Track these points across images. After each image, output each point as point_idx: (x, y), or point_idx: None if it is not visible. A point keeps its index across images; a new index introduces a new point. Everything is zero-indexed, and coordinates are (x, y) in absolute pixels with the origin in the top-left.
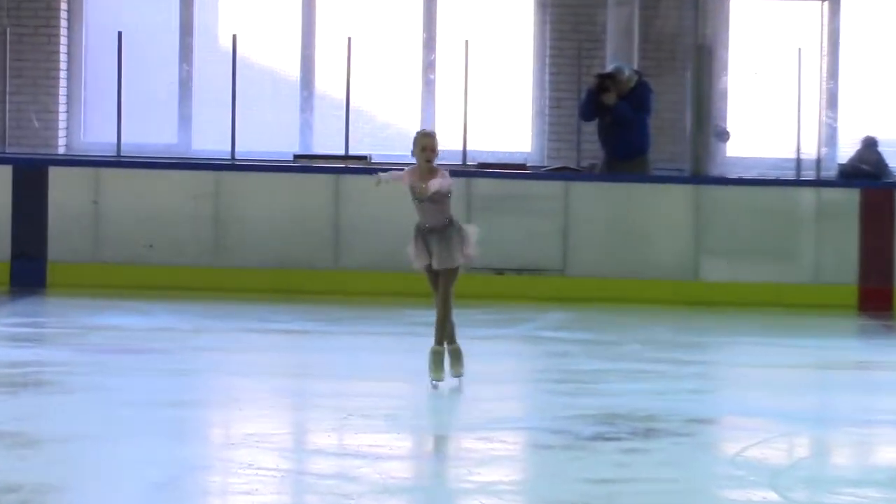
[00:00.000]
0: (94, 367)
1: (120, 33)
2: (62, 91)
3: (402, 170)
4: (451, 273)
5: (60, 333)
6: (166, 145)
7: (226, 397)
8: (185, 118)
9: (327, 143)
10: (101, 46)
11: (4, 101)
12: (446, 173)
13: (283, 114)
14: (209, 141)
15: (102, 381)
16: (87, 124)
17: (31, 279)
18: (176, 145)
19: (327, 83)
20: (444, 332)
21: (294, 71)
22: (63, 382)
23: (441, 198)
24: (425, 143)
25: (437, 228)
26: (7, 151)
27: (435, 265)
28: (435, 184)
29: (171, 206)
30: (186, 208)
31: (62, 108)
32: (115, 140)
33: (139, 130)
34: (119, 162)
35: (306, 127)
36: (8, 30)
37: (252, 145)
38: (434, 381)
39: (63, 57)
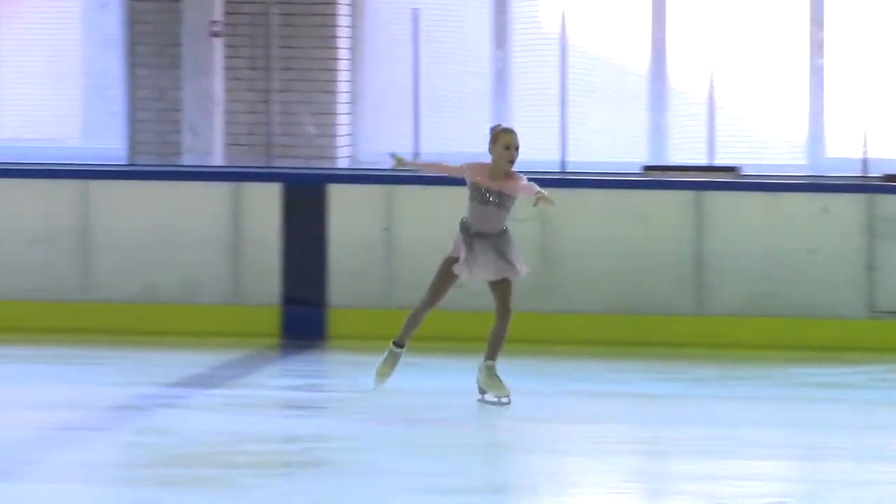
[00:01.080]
0: (381, 442)
1: (416, 11)
2: (343, 87)
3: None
4: (508, 284)
5: (342, 399)
6: (476, 155)
7: (555, 482)
8: (500, 120)
9: (685, 151)
10: (391, 29)
11: (270, 101)
12: (524, 178)
13: (627, 115)
14: (532, 148)
15: (390, 461)
16: (376, 129)
17: (307, 329)
18: (487, 154)
19: (684, 77)
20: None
21: (641, 61)
22: (345, 462)
23: (511, 203)
24: (509, 140)
25: (490, 235)
26: (275, 165)
27: (491, 276)
28: (527, 187)
29: None
30: None
31: (343, 108)
32: (410, 150)
33: (440, 135)
34: (416, 177)
35: (658, 131)
36: (273, 8)
37: (587, 154)
38: (503, 398)
39: (344, 42)
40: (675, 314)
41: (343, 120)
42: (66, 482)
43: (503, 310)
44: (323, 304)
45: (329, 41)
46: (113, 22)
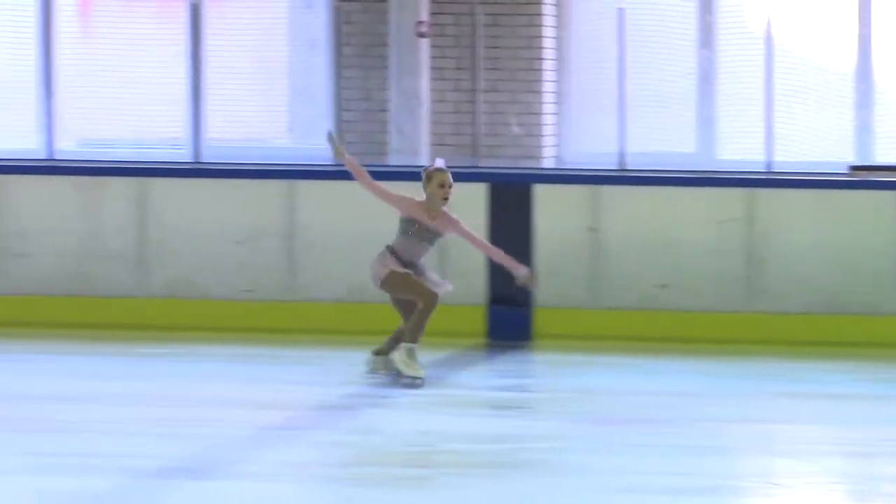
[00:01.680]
0: (588, 443)
1: (621, 10)
2: (549, 87)
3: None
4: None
5: (549, 399)
6: (681, 155)
7: (762, 482)
8: (705, 120)
9: (892, 150)
10: (596, 28)
11: (476, 101)
12: (459, 220)
13: (833, 114)
14: (738, 149)
15: (597, 462)
16: (581, 129)
17: (512, 330)
18: (694, 155)
19: (890, 75)
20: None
21: (847, 60)
22: (551, 462)
23: (433, 242)
24: (443, 178)
25: (415, 265)
26: (481, 165)
27: (444, 291)
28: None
29: (688, 235)
30: (709, 237)
31: (549, 108)
32: (615, 149)
33: (648, 136)
34: (621, 177)
35: (864, 130)
36: (478, 9)
37: (793, 154)
38: (419, 379)
39: (549, 42)
40: (881, 314)
41: (548, 120)
42: (275, 481)
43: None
44: (528, 305)
45: (534, 41)
46: (319, 23)
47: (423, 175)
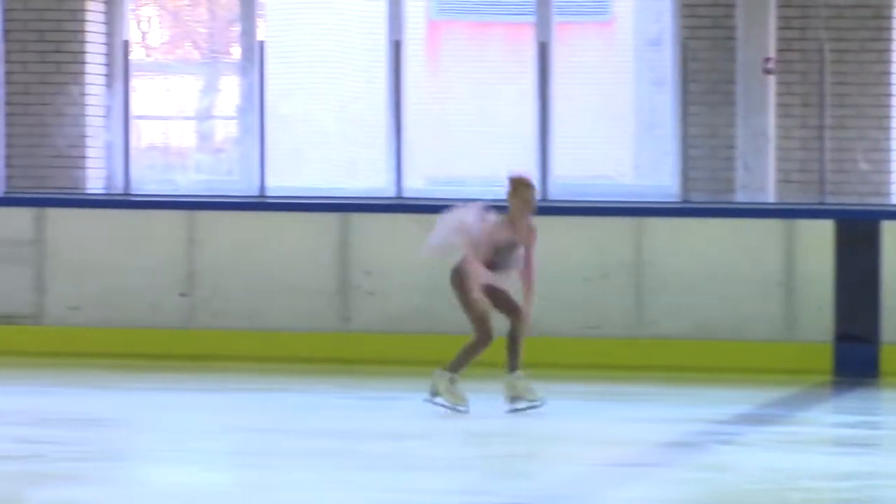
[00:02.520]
0: None
1: None
2: None
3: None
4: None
5: None
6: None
7: None
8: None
9: None
10: None
11: (823, 138)
12: (535, 233)
13: None
14: None
15: None
16: None
17: (860, 366)
18: None
19: None
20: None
21: None
22: None
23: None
24: (528, 196)
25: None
26: (827, 202)
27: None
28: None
29: None
30: None
31: None
32: None
33: None
34: None
35: None
36: (826, 45)
37: None
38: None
39: None
40: None
41: None
42: None
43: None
44: (876, 341)
45: (883, 77)
46: (665, 60)
47: (510, 183)
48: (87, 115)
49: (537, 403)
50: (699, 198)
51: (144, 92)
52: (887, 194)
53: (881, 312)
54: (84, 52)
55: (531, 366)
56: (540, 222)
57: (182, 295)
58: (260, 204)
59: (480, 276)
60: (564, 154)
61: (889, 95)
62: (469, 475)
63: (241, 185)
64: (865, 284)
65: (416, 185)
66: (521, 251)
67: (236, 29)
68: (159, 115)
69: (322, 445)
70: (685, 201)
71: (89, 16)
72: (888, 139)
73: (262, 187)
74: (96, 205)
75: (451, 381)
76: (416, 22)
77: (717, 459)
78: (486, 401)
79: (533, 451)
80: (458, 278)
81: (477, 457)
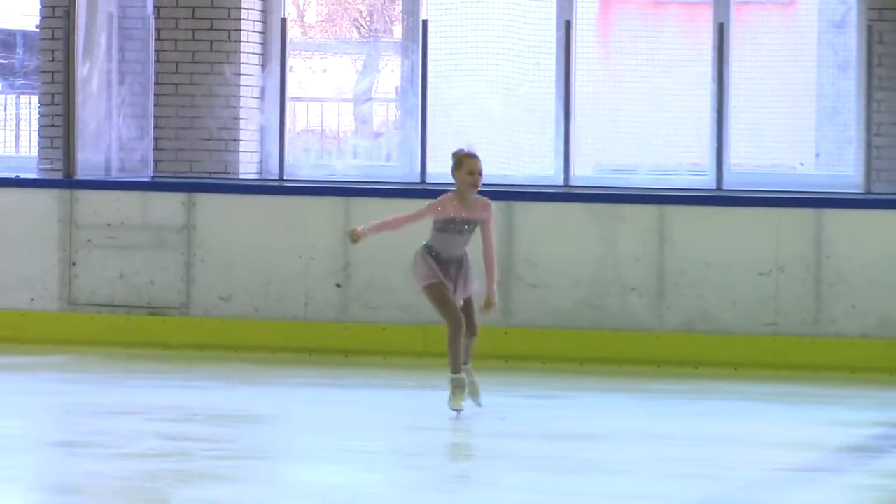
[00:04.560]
0: None
1: None
2: None
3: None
4: (472, 303)
5: None
6: None
7: None
8: None
9: None
10: None
11: None
12: (491, 207)
13: None
14: None
15: None
16: None
17: None
18: None
19: None
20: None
21: None
22: None
23: (472, 230)
24: (473, 165)
25: (456, 259)
26: None
27: (465, 294)
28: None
29: None
30: None
31: None
32: None
33: None
34: None
35: None
36: None
37: None
38: (456, 411)
39: None
40: None
41: None
42: None
43: (473, 328)
44: None
45: None
46: (850, 43)
47: (454, 159)
48: (241, 97)
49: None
50: (883, 188)
51: (300, 72)
52: None
53: None
54: (238, 31)
55: (700, 363)
56: (714, 214)
57: (337, 286)
58: (419, 191)
59: (422, 272)
60: (741, 142)
61: None
62: (637, 479)
63: (400, 170)
64: None
65: (585, 172)
66: (475, 229)
67: (398, 7)
68: (315, 97)
69: (478, 445)
70: (868, 192)
71: None
72: None
73: (423, 173)
74: (248, 190)
75: (457, 384)
76: (587, 1)
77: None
78: (663, 401)
79: (707, 454)
80: (420, 285)
81: (648, 459)
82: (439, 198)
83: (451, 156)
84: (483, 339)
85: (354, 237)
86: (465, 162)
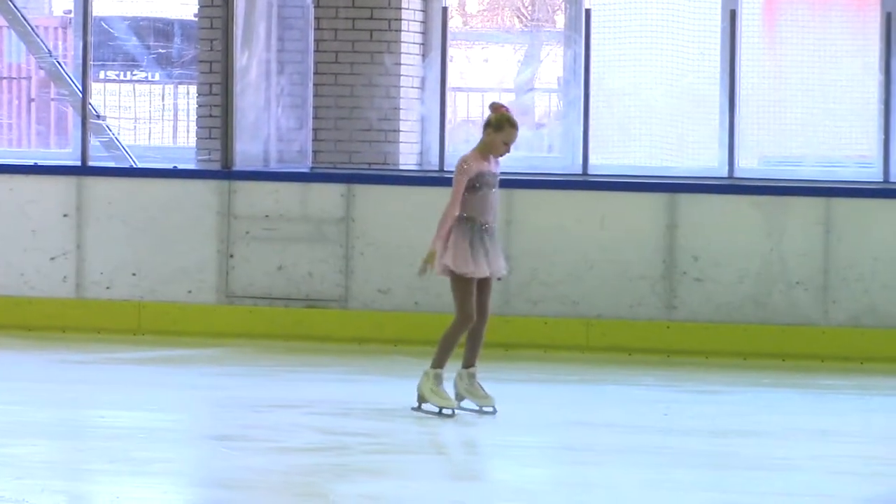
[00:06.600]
0: None
1: None
2: None
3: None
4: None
5: None
6: None
7: None
8: None
9: None
10: None
11: None
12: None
13: None
14: None
15: None
16: None
17: None
18: None
19: None
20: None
21: None
22: None
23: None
24: (512, 137)
25: (492, 226)
26: None
27: (499, 273)
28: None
29: None
30: None
31: None
32: None
33: None
34: None
35: None
36: None
37: None
38: (448, 410)
39: None
40: None
41: None
42: None
43: (485, 310)
44: None
45: None
46: None
47: (496, 115)
48: (401, 87)
49: (447, 411)
50: None
51: (461, 62)
52: None
53: None
54: (399, 20)
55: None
56: (881, 206)
57: (498, 279)
58: (582, 182)
59: (463, 256)
60: None
61: None
62: (807, 476)
63: (562, 162)
64: None
65: (750, 164)
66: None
67: None
68: (476, 88)
69: (642, 441)
70: None
71: None
72: None
73: (585, 165)
74: (409, 182)
75: (437, 380)
76: None
77: None
78: (830, 397)
79: (881, 452)
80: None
81: (817, 457)
82: (460, 162)
83: (489, 107)
84: (647, 333)
85: (426, 266)
86: (507, 130)
